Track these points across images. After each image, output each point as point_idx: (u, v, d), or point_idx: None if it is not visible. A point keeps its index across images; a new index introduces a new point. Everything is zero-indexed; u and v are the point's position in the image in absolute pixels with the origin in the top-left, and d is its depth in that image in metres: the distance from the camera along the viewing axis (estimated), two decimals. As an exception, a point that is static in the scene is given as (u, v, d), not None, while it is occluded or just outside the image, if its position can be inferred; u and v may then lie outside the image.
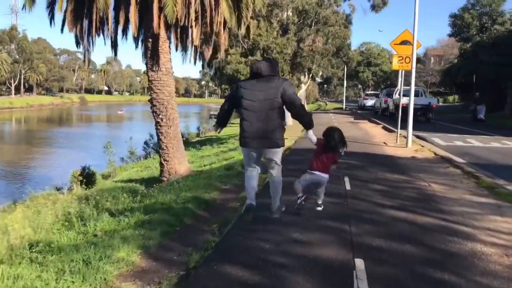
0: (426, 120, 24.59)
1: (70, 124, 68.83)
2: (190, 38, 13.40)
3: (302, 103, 5.90)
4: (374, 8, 44.80)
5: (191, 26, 13.01)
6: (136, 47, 13.92)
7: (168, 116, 13.03)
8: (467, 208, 6.22)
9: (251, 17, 24.20)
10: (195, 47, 13.52)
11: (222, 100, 5.89)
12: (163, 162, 13.29)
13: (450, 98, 64.17)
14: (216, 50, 14.20)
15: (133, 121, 69.86)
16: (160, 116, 13.02)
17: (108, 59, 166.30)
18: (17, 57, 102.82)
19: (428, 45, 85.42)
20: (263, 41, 20.80)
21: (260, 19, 23.15)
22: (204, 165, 15.57)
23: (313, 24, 22.97)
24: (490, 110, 37.67)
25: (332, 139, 5.29)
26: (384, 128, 21.78)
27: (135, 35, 13.78)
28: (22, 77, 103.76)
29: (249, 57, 21.09)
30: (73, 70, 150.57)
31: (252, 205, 5.32)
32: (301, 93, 38.78)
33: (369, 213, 5.83)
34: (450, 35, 35.28)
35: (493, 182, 7.88)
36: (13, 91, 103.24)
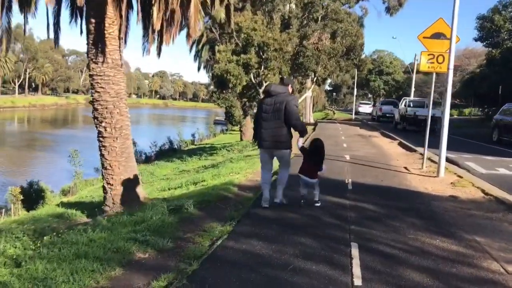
0: (431, 131, 21.37)
1: (67, 125, 66.14)
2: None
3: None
4: (389, 10, 41.45)
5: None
6: (82, 32, 10.52)
7: (114, 124, 9.64)
8: None
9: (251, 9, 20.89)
10: (159, 32, 10.08)
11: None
12: (106, 187, 9.87)
13: (466, 111, 60.09)
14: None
15: (131, 125, 66.68)
16: (103, 124, 9.63)
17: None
18: (22, 56, 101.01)
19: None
20: (258, 37, 17.37)
21: (258, 12, 19.82)
22: (168, 188, 12.14)
23: (319, 19, 19.50)
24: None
25: (315, 155, 6.38)
26: (401, 145, 18.16)
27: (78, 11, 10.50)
28: (27, 76, 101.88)
29: (242, 56, 17.69)
30: (81, 71, 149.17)
31: (265, 206, 6.47)
32: (307, 100, 35.30)
33: None
34: (476, 40, 31.49)
35: None
36: (16, 90, 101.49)
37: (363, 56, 22.76)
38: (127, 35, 11.12)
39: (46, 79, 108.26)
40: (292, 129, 6.20)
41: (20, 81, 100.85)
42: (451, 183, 8.96)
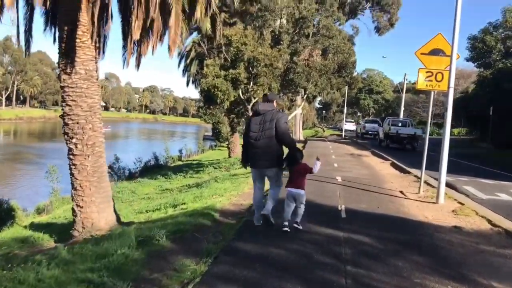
0: (412, 148, 26.37)
1: (54, 139, 64.66)
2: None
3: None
4: (379, 30, 41.53)
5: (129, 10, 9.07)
6: (54, 40, 9.73)
7: (86, 141, 8.80)
8: None
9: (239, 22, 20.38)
10: (138, 42, 9.36)
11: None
12: (75, 209, 8.98)
13: (456, 131, 60.08)
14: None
15: (117, 140, 65.58)
16: (74, 141, 8.78)
17: (106, 75, 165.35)
18: (10, 68, 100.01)
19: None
20: (248, 51, 16.75)
21: (248, 27, 19.27)
22: (146, 211, 11.24)
23: (310, 35, 18.97)
24: (505, 146, 33.66)
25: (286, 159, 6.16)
26: (394, 165, 17.51)
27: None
28: (15, 88, 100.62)
29: (230, 70, 17.03)
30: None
31: (257, 224, 6.36)
32: (297, 117, 34.74)
33: None
34: (468, 60, 31.37)
35: None
36: (3, 102, 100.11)
37: (354, 74, 22.26)
38: (105, 44, 10.36)
39: (35, 92, 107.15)
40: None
41: (8, 93, 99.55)
42: (453, 211, 8.23)
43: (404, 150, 26.13)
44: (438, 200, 8.94)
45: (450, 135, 36.06)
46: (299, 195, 5.95)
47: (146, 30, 9.13)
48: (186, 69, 30.74)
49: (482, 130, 40.42)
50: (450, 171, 13.77)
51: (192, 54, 29.02)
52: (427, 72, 9.89)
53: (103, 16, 9.51)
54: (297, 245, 5.41)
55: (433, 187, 11.11)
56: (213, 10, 9.69)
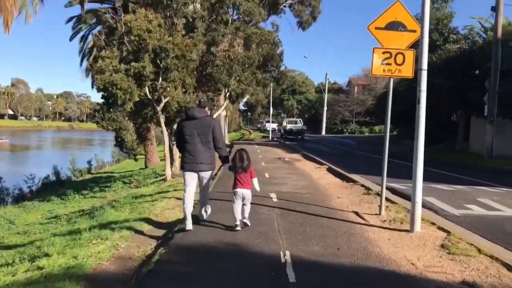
0: (301, 139, 39.95)
1: None
2: None
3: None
4: (302, 25, 39.99)
5: None
6: None
7: None
8: None
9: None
10: None
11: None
12: None
13: (377, 128, 61.04)
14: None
15: (21, 152, 58.07)
16: None
17: (13, 81, 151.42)
18: None
19: (353, 74, 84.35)
20: (154, 40, 13.48)
21: (157, 15, 16.00)
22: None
23: (230, 22, 16.10)
24: (430, 142, 33.57)
25: (235, 162, 6.43)
26: (331, 171, 15.20)
27: None
28: None
29: (133, 64, 13.63)
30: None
31: (189, 228, 6.34)
32: (221, 119, 31.83)
33: None
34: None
35: None
36: None
37: (282, 68, 19.83)
38: None
39: None
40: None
41: None
42: (441, 245, 5.70)
43: (293, 140, 38.52)
44: (414, 227, 6.41)
45: (372, 133, 35.88)
46: (249, 194, 6.34)
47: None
48: (88, 68, 26.51)
49: (406, 127, 40.35)
50: (393, 174, 11.65)
51: (95, 52, 24.94)
52: (384, 52, 7.41)
53: None
54: None
55: (393, 202, 8.76)
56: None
